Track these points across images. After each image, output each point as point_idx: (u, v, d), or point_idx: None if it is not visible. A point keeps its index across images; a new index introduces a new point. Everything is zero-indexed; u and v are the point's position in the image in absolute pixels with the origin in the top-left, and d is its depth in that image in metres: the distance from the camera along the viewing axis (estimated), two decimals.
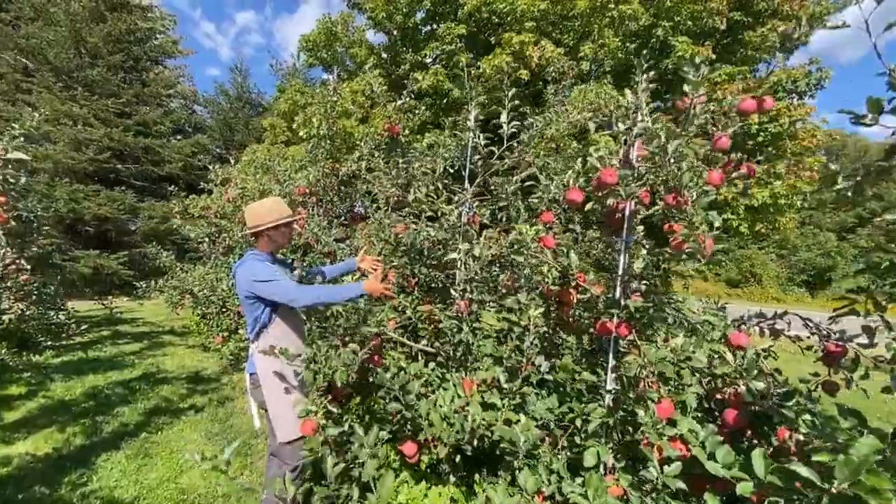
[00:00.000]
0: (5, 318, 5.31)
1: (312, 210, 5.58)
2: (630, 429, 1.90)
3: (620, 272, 2.16)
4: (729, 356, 1.85)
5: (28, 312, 5.47)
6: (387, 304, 3.13)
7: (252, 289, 2.08)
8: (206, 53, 55.52)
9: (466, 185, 3.09)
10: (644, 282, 2.08)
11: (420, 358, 3.21)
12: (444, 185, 2.93)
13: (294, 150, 11.41)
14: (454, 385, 2.52)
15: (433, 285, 3.41)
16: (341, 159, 5.55)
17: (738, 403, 1.80)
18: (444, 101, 10.46)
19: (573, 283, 2.26)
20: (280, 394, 2.17)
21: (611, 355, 2.11)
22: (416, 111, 3.88)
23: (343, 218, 5.79)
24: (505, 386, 2.18)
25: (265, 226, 2.22)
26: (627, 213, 2.18)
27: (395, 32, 11.87)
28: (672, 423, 1.75)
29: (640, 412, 1.73)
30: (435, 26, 11.29)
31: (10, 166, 5.02)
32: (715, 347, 1.90)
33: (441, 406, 2.38)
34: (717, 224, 1.71)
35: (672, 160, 1.65)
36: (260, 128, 17.43)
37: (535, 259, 2.20)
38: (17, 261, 5.44)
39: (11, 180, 4.90)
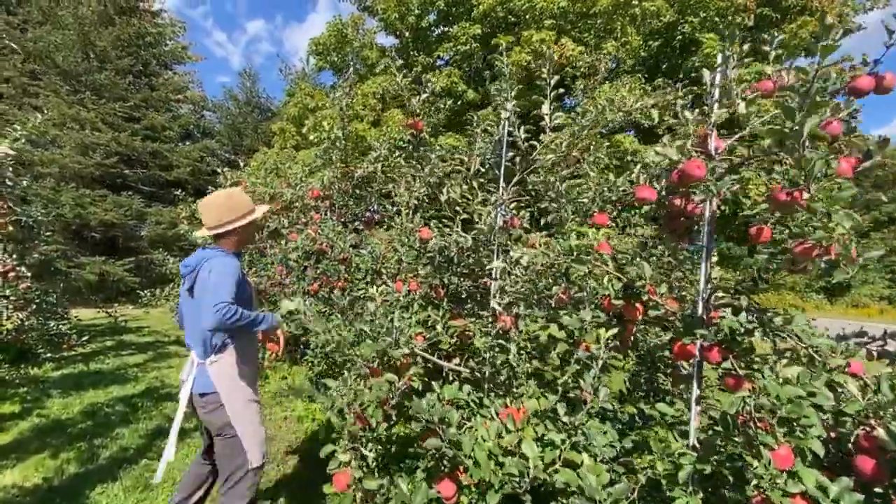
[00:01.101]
0: (3, 327, 5.05)
1: (326, 214, 5.29)
2: (730, 478, 1.55)
3: (702, 284, 1.82)
4: (853, 389, 1.50)
5: (27, 322, 5.21)
6: (413, 318, 2.81)
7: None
8: (217, 62, 56.04)
9: (501, 184, 2.77)
10: (737, 296, 1.73)
11: (450, 378, 2.88)
12: (480, 184, 2.60)
13: (304, 154, 11.17)
14: (496, 414, 2.18)
15: (462, 296, 3.08)
16: (352, 163, 5.27)
17: (872, 449, 1.44)
18: (459, 102, 10.17)
19: (643, 297, 1.92)
20: (249, 414, 1.92)
21: (695, 384, 1.77)
22: (441, 106, 3.58)
23: (357, 222, 5.50)
24: (564, 419, 1.84)
25: (237, 223, 1.93)
26: (708, 213, 1.85)
27: (406, 34, 11.63)
28: (792, 475, 1.40)
29: (754, 462, 1.38)
30: (448, 28, 11.03)
31: (10, 170, 4.77)
32: (836, 378, 1.54)
33: (485, 440, 2.04)
34: (848, 224, 1.36)
35: (806, 145, 1.30)
36: (269, 132, 17.27)
37: (598, 268, 1.87)
38: (17, 268, 5.19)
39: (10, 183, 4.65)
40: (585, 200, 2.45)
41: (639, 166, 1.95)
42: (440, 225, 2.67)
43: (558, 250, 1.90)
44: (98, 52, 11.88)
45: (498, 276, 2.73)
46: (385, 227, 6.33)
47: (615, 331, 1.69)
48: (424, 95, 3.59)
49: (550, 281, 2.16)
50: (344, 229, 4.85)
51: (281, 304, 2.48)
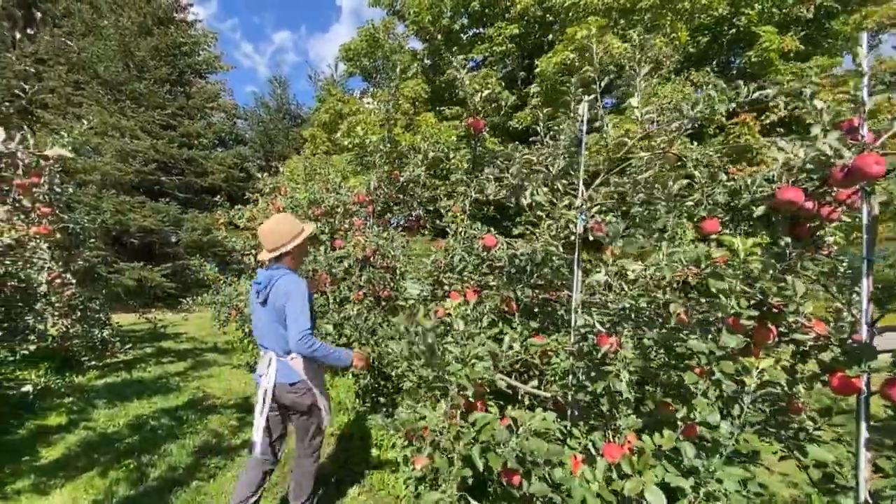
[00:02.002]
0: (49, 335, 5.02)
1: (368, 220, 5.11)
2: None
3: (864, 304, 1.51)
4: None
5: (72, 330, 5.19)
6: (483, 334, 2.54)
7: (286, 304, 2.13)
8: (245, 72, 57.65)
9: (580, 186, 2.50)
10: None
11: (525, 404, 2.63)
12: (563, 185, 2.34)
13: (336, 159, 11.11)
14: (595, 449, 1.91)
15: (535, 310, 2.81)
16: (391, 167, 5.06)
17: None
18: (493, 106, 9.91)
19: (787, 317, 1.62)
20: (323, 389, 2.34)
21: (862, 426, 1.46)
22: (504, 104, 3.34)
23: (401, 228, 5.30)
24: (696, 463, 1.55)
25: (291, 244, 2.24)
26: (868, 217, 1.54)
27: (438, 37, 11.46)
28: None
29: None
30: (481, 29, 10.83)
31: (55, 172, 4.76)
32: None
33: (590, 481, 1.77)
34: None
35: None
36: (300, 139, 17.38)
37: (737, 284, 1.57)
38: (63, 275, 5.18)
39: (58, 189, 4.63)
40: (689, 203, 2.16)
41: (779, 162, 1.65)
42: (527, 231, 2.41)
43: (682, 261, 1.62)
44: (137, 61, 12.14)
45: (580, 290, 2.46)
46: (424, 233, 6.14)
47: (771, 361, 1.40)
48: (486, 92, 3.36)
49: (662, 297, 1.87)
50: (388, 235, 4.66)
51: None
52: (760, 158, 6.87)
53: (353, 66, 13.86)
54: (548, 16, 9.25)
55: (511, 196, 2.35)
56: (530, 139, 2.79)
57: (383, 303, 4.69)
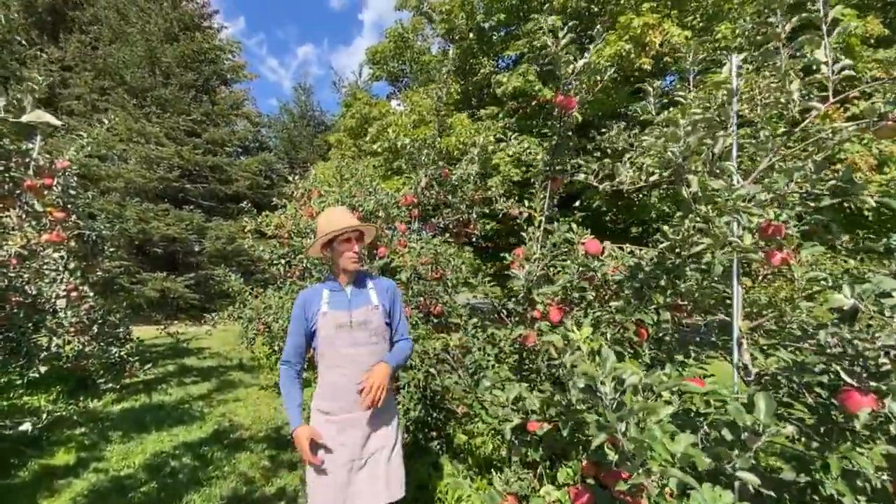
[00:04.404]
0: (63, 353, 4.53)
1: (414, 224, 4.53)
2: None
3: None
4: None
5: (88, 348, 4.69)
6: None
7: None
8: (269, 86, 58.85)
9: (734, 172, 1.85)
10: None
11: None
12: (734, 169, 1.70)
13: (367, 162, 10.63)
14: None
15: (665, 337, 2.14)
16: (435, 162, 4.46)
17: None
18: (532, 104, 9.30)
19: None
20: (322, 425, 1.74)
21: None
22: (601, 74, 2.73)
23: (448, 234, 4.69)
24: None
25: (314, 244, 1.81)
26: None
27: (470, 36, 10.92)
28: None
29: None
30: (516, 28, 10.25)
31: (71, 174, 4.30)
32: None
33: None
34: None
35: None
36: (324, 145, 17.05)
37: None
38: (80, 287, 4.71)
39: (72, 192, 4.16)
40: None
41: None
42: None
43: None
44: (163, 67, 11.93)
45: (741, 314, 1.81)
46: (471, 240, 5.50)
47: None
48: (581, 63, 2.78)
49: None
50: (440, 242, 4.06)
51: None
52: (846, 156, 6.09)
53: (379, 70, 13.44)
54: (592, 6, 8.62)
55: (670, 181, 1.70)
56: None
57: (434, 320, 4.10)
